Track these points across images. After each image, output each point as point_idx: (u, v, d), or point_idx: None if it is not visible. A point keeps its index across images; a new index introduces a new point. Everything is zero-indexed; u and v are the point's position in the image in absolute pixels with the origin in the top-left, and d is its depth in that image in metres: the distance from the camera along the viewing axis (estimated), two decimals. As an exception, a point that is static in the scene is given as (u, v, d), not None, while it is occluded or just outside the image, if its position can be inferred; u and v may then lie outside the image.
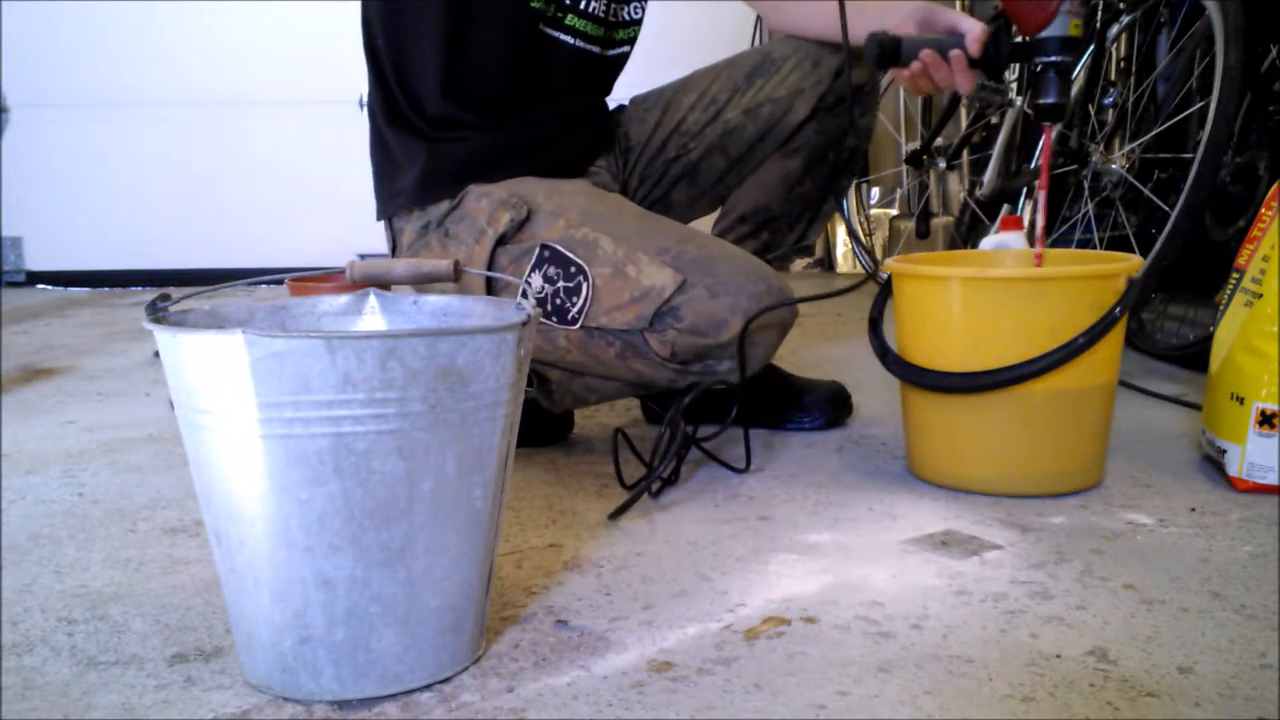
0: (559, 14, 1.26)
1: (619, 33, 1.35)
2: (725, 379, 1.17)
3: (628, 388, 1.23)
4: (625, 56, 1.38)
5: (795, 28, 1.38)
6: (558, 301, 1.16)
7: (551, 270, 1.16)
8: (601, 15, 1.30)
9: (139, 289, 3.31)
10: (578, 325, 1.15)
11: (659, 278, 1.12)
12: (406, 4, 1.22)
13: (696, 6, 3.11)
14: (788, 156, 1.38)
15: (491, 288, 1.21)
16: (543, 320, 1.17)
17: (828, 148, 1.38)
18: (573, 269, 1.15)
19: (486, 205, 1.22)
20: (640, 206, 1.31)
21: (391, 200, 1.29)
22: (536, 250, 1.18)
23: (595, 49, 1.32)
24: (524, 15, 1.23)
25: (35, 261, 3.39)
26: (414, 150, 1.25)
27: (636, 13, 1.36)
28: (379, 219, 1.33)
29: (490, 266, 1.20)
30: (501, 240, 1.20)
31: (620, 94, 1.44)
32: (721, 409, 1.21)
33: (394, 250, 1.32)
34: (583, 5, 1.27)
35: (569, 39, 1.28)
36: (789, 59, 1.36)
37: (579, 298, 1.15)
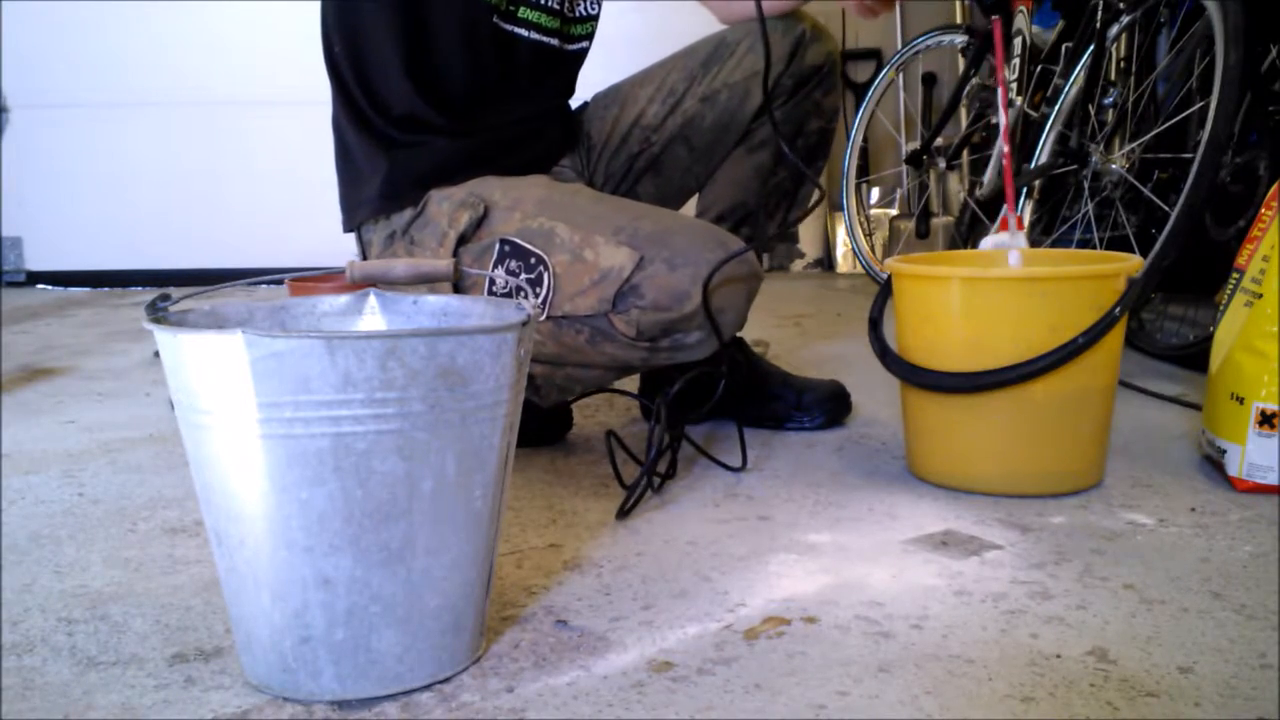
0: (511, 7, 1.26)
1: (575, 27, 1.34)
2: (698, 352, 1.15)
3: (609, 373, 1.22)
4: (585, 52, 1.37)
5: (743, 14, 1.38)
6: (522, 295, 1.16)
7: (513, 264, 1.16)
8: (557, 8, 1.30)
9: (139, 289, 3.31)
10: (543, 316, 1.15)
11: (616, 258, 1.11)
12: (362, 6, 1.22)
13: (695, 6, 3.11)
14: (756, 150, 1.37)
15: (458, 286, 1.20)
16: None
17: (795, 135, 1.37)
18: (533, 260, 1.15)
19: (447, 208, 1.22)
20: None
21: (357, 211, 1.29)
22: (496, 246, 1.17)
23: (554, 42, 1.31)
24: (477, 8, 1.23)
25: (35, 261, 3.39)
26: (376, 159, 1.25)
27: (592, 8, 1.35)
28: (346, 231, 1.32)
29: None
30: (463, 240, 1.19)
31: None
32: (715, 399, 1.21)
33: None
34: None
35: (524, 32, 1.28)
36: (742, 42, 1.35)
37: (541, 288, 1.14)
